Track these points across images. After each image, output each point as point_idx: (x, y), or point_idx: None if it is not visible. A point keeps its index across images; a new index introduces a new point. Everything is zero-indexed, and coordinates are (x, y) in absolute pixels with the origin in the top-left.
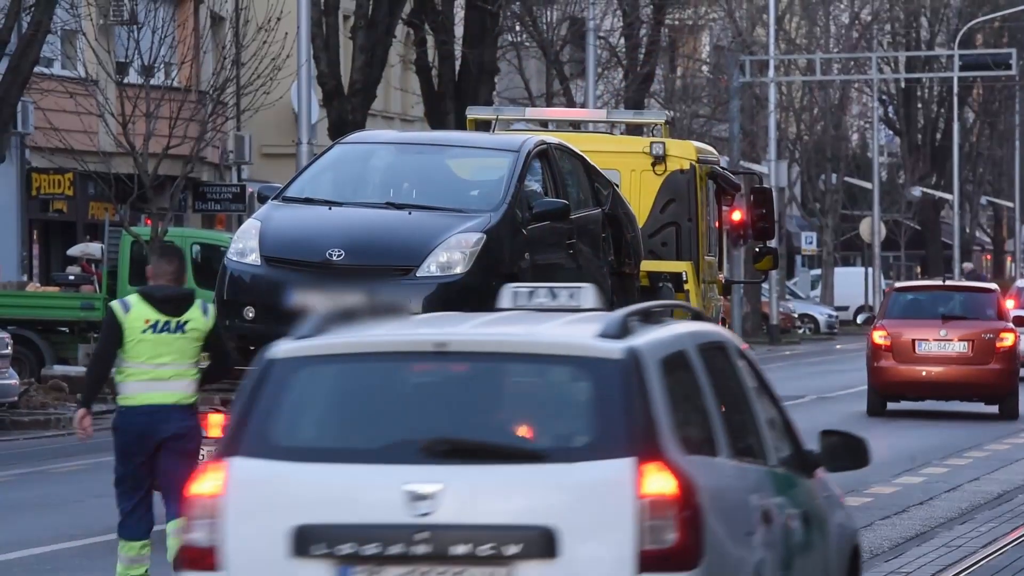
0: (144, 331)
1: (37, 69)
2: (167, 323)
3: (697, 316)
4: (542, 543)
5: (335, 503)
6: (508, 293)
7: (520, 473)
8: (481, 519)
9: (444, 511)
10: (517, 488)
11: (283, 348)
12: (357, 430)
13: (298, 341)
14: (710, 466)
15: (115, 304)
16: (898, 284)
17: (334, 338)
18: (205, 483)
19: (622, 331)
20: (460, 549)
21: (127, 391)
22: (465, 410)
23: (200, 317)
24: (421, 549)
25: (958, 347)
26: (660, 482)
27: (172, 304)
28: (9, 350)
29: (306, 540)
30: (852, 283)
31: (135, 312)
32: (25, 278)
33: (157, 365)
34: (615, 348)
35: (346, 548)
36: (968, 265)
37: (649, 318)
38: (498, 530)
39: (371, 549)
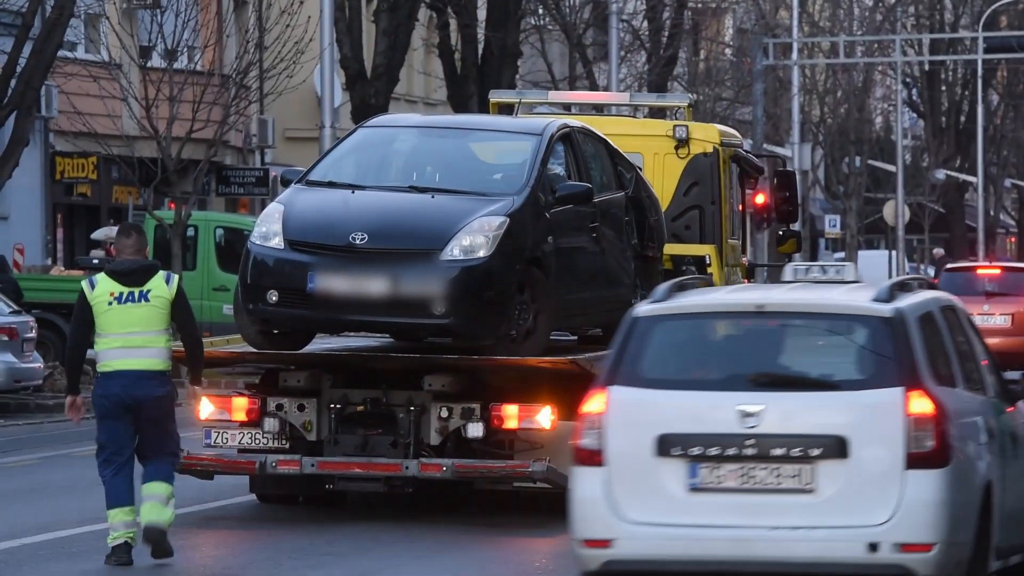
0: (110, 303)
1: (61, 53)
2: (131, 294)
3: (931, 286)
4: (837, 447)
5: (687, 418)
6: (790, 269)
7: (820, 398)
8: (793, 430)
9: (766, 424)
10: (818, 408)
11: (644, 309)
12: (701, 367)
13: (654, 304)
14: (953, 394)
15: (83, 282)
16: (949, 264)
17: (681, 301)
18: (593, 404)
19: (890, 296)
20: (777, 451)
21: (103, 359)
22: (779, 352)
23: (163, 286)
24: (749, 451)
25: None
26: (921, 405)
27: (134, 276)
28: (34, 334)
29: (667, 444)
30: (876, 266)
31: (100, 287)
32: (49, 262)
33: (127, 333)
34: (887, 308)
35: (695, 450)
36: (939, 251)
37: (904, 288)
38: (805, 438)
39: (713, 451)
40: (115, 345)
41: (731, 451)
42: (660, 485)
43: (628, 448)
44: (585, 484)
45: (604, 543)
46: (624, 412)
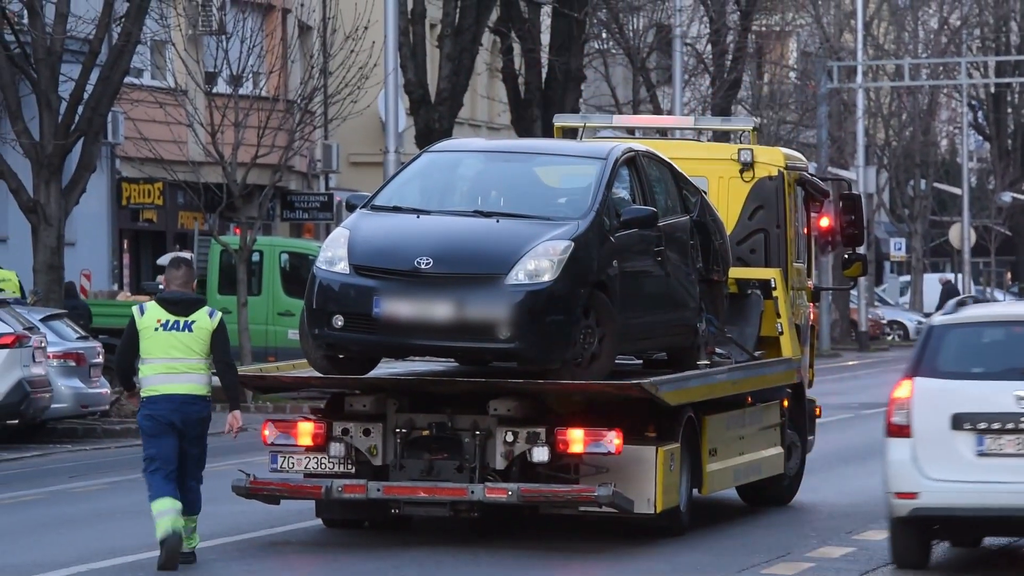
0: (156, 329)
1: (127, 79)
2: (176, 322)
3: None
4: None
5: (975, 401)
6: None
7: None
8: None
9: None
10: None
11: (938, 320)
12: (983, 362)
13: (945, 316)
14: None
15: (134, 308)
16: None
17: (965, 313)
18: (902, 390)
19: None
20: None
21: (148, 383)
22: None
23: (206, 319)
24: (1023, 426)
25: None
26: None
27: (181, 306)
28: (101, 359)
29: (960, 421)
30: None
31: (149, 314)
32: (116, 287)
33: (169, 359)
34: None
35: (982, 425)
36: (943, 276)
37: None
38: None
39: (996, 426)
40: (159, 370)
41: (1010, 425)
42: (954, 451)
43: (929, 423)
44: (896, 450)
45: (911, 495)
46: (925, 396)
